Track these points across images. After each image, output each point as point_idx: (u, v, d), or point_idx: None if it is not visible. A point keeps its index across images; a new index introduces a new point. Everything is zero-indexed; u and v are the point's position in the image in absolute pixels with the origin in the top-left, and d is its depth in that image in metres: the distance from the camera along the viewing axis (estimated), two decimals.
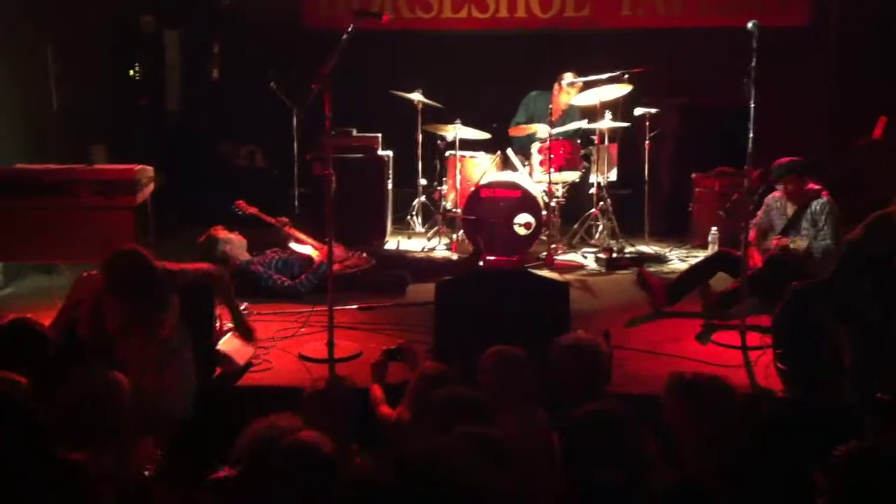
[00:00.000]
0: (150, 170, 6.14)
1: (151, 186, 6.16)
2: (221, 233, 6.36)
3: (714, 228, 7.47)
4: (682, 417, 3.05)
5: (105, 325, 3.95)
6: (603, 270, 7.00)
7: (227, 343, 4.62)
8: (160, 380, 3.85)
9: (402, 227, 8.16)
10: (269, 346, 4.99)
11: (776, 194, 5.86)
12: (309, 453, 2.60)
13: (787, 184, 5.69)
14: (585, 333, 3.76)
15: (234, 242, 6.36)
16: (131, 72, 8.59)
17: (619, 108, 7.62)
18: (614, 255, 7.18)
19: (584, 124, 7.57)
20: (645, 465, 2.76)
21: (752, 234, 5.74)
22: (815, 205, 5.65)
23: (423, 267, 6.75)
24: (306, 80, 4.96)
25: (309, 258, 6.37)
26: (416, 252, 7.43)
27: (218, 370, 4.47)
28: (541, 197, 7.25)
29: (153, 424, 3.66)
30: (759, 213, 5.89)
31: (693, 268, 5.92)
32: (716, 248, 7.42)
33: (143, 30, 8.69)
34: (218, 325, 4.67)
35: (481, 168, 7.55)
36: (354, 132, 7.90)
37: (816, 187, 5.73)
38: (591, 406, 2.99)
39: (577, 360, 3.54)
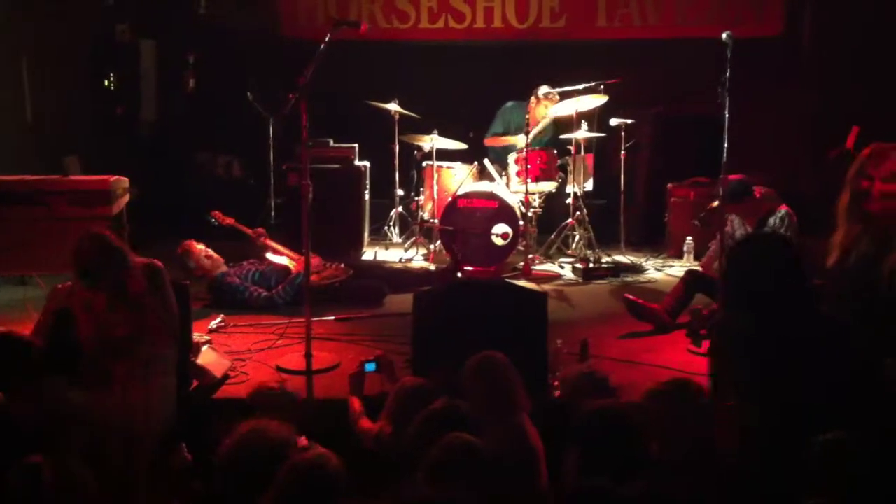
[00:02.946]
0: (125, 181, 6.10)
1: (126, 197, 6.12)
2: (196, 246, 6.32)
3: (689, 238, 7.54)
4: (659, 424, 3.07)
5: (105, 333, 3.90)
6: (580, 280, 7.03)
7: (204, 356, 4.59)
8: (144, 392, 3.81)
9: (380, 237, 8.16)
10: (245, 359, 4.96)
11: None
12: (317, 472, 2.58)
13: (732, 212, 5.72)
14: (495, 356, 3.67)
15: (210, 257, 6.32)
16: (106, 82, 8.54)
17: (595, 118, 7.68)
18: (591, 265, 7.22)
19: (559, 133, 7.60)
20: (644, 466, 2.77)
21: (705, 260, 5.84)
22: (774, 219, 5.67)
23: (401, 278, 6.75)
24: (283, 90, 4.96)
25: (286, 269, 6.34)
26: (393, 263, 7.43)
27: (195, 383, 4.44)
28: (518, 207, 7.28)
29: (138, 438, 3.64)
30: (728, 227, 5.86)
31: (673, 294, 5.76)
32: (691, 257, 7.49)
33: (119, 39, 8.64)
34: (195, 338, 4.64)
35: (458, 178, 7.57)
36: (331, 142, 7.90)
37: (771, 201, 5.74)
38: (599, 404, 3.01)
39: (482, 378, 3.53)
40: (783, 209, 5.70)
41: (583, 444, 2.88)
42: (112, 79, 8.56)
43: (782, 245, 3.45)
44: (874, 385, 3.12)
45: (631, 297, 5.72)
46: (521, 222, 7.21)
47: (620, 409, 2.97)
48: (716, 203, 5.55)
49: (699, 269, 6.11)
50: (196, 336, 4.71)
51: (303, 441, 3.26)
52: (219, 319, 5.64)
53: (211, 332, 5.43)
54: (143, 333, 3.89)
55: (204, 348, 4.67)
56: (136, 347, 3.86)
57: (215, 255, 6.32)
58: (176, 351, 4.07)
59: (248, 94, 7.45)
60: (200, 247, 6.29)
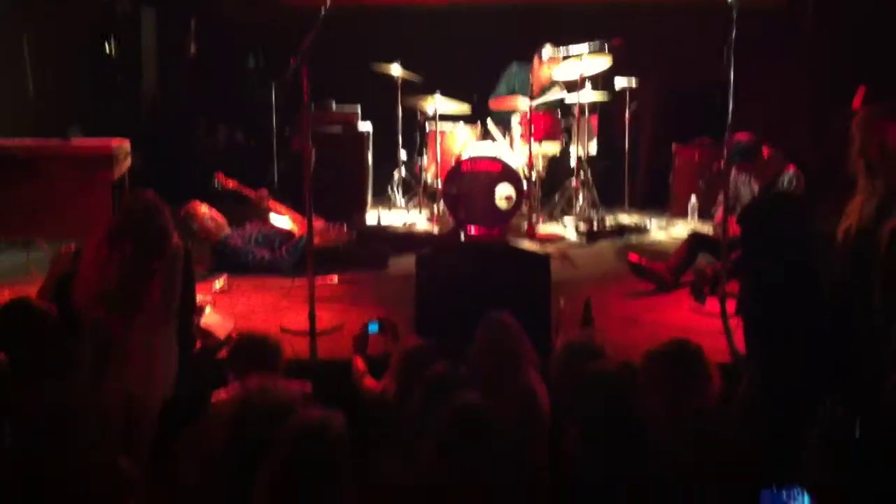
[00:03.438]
0: (126, 144, 6.09)
1: (128, 162, 6.11)
2: (201, 209, 6.32)
3: (693, 198, 7.51)
4: (657, 387, 3.06)
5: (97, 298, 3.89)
6: (584, 242, 7.03)
7: (208, 317, 4.61)
8: (147, 357, 3.83)
9: (383, 200, 8.14)
10: (250, 320, 4.98)
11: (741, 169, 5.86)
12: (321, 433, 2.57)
13: (741, 171, 5.69)
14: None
15: (214, 218, 6.32)
16: (107, 49, 8.48)
17: (600, 79, 7.62)
18: (595, 226, 7.21)
19: (564, 94, 7.56)
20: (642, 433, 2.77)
21: (718, 215, 5.76)
22: (783, 180, 5.65)
23: (404, 240, 6.75)
24: (285, 55, 4.92)
25: (289, 232, 6.35)
26: (396, 226, 7.42)
27: (198, 344, 4.46)
28: (521, 169, 7.25)
29: (139, 404, 3.66)
30: (732, 188, 5.83)
31: (677, 254, 5.78)
32: (695, 217, 7.47)
33: (119, 7, 8.57)
34: (198, 299, 4.65)
35: (461, 141, 7.53)
36: (333, 106, 7.86)
37: (777, 159, 5.70)
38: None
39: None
40: (791, 169, 5.68)
41: (582, 419, 2.88)
42: (112, 47, 8.50)
43: (796, 204, 3.45)
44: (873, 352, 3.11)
45: (635, 258, 5.72)
46: (525, 184, 7.19)
47: (616, 377, 2.95)
48: (719, 167, 5.54)
49: (703, 229, 6.11)
50: (200, 298, 4.72)
51: (306, 387, 3.29)
52: (222, 281, 5.65)
53: (215, 293, 5.45)
54: (148, 294, 3.89)
55: (207, 310, 4.69)
56: (140, 315, 3.86)
57: (219, 217, 6.33)
58: (174, 325, 4.06)
59: (250, 59, 7.39)
60: (204, 209, 6.28)
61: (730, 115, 4.85)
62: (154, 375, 3.81)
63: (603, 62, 7.31)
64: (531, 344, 3.61)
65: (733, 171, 5.82)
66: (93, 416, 2.82)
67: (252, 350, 3.54)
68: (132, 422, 3.57)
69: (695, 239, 5.79)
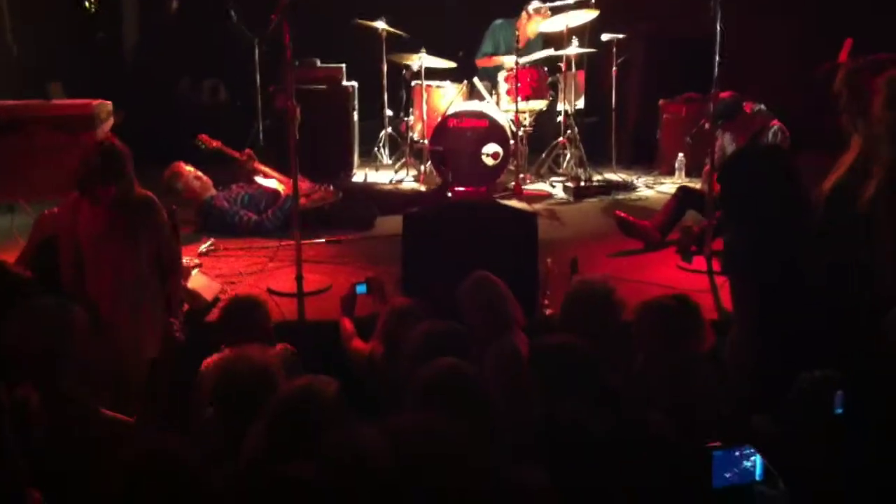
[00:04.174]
0: (108, 105, 6.01)
1: (111, 122, 6.03)
2: (185, 168, 6.26)
3: (681, 155, 7.50)
4: (650, 340, 3.09)
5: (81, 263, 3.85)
6: (571, 199, 7.02)
7: (194, 280, 4.59)
8: (134, 319, 3.81)
9: (369, 159, 8.09)
10: (236, 282, 4.96)
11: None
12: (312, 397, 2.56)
13: (726, 130, 5.67)
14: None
15: (199, 179, 6.27)
16: (87, 4, 8.33)
17: (586, 33, 7.54)
18: (582, 183, 7.19)
19: (550, 52, 7.49)
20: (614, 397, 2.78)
21: (707, 166, 5.74)
22: (768, 135, 5.64)
23: (391, 199, 6.71)
24: (267, 10, 4.84)
25: (275, 193, 6.30)
26: (383, 185, 7.38)
27: (185, 307, 4.44)
28: (508, 126, 7.20)
29: (127, 367, 3.65)
30: (718, 143, 5.83)
31: (664, 210, 5.77)
32: (682, 174, 7.46)
33: None
34: (185, 261, 4.62)
35: (448, 98, 7.47)
36: (318, 63, 7.76)
37: (763, 118, 5.69)
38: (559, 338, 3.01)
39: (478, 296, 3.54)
40: (775, 124, 5.67)
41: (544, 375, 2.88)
42: (93, 4, 8.35)
43: (776, 156, 3.43)
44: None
45: (622, 214, 5.72)
46: (512, 142, 7.15)
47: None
48: (706, 123, 5.52)
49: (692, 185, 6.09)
50: (186, 260, 4.70)
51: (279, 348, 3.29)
52: (209, 243, 5.63)
53: (201, 255, 5.42)
54: (134, 255, 3.85)
55: (194, 272, 4.67)
56: (128, 267, 3.82)
57: (204, 177, 6.28)
58: (162, 281, 4.03)
59: (231, 14, 7.27)
60: (189, 168, 6.23)
61: (716, 69, 4.82)
62: (141, 337, 3.80)
63: (589, 15, 7.24)
64: (517, 303, 3.61)
65: (719, 129, 5.80)
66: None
67: (241, 313, 3.53)
68: (120, 384, 3.56)
69: (683, 193, 5.78)
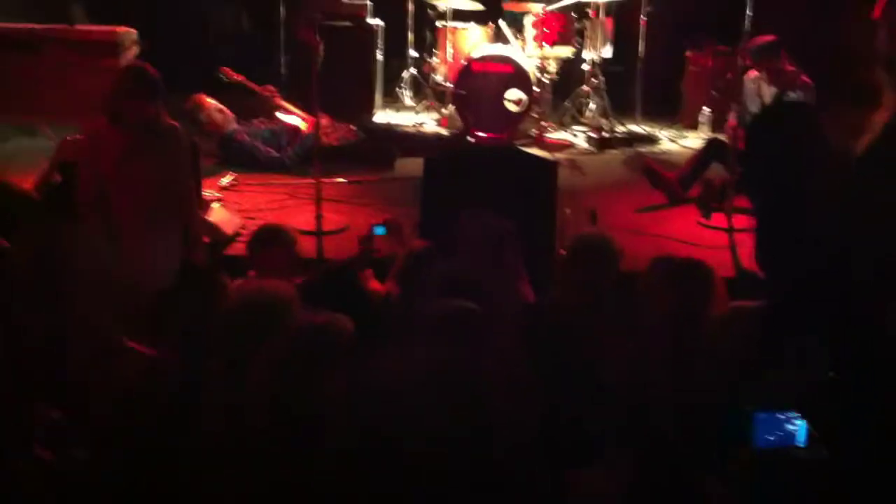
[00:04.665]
0: (133, 32, 5.98)
1: (134, 50, 6.00)
2: (207, 101, 6.24)
3: (706, 109, 7.40)
4: (660, 299, 3.06)
5: (103, 185, 3.86)
6: (593, 149, 6.97)
7: (215, 213, 4.61)
8: (149, 242, 3.83)
9: (392, 99, 8.03)
10: (256, 217, 4.98)
11: (752, 74, 5.75)
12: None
13: (763, 68, 5.60)
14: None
15: (221, 112, 6.25)
16: None
17: None
18: (605, 134, 7.13)
19: None
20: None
21: (731, 120, 5.67)
22: (795, 93, 5.56)
23: (412, 141, 6.69)
24: None
25: (296, 129, 6.28)
26: (405, 126, 7.34)
27: (206, 239, 4.47)
28: (533, 72, 7.12)
29: (133, 290, 3.68)
30: (749, 76, 5.76)
31: (691, 161, 5.74)
32: (707, 129, 7.38)
33: None
34: (205, 195, 4.64)
35: (473, 40, 7.37)
36: None
37: (793, 70, 5.61)
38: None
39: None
40: (804, 80, 5.59)
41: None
42: None
43: (804, 116, 3.38)
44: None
45: (651, 162, 5.69)
46: (536, 88, 7.07)
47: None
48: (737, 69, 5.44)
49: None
50: (207, 193, 4.72)
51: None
52: (230, 177, 5.64)
53: (222, 189, 5.44)
54: (156, 179, 3.86)
55: (215, 205, 4.69)
56: (149, 191, 3.84)
57: (226, 110, 6.26)
58: (181, 212, 4.04)
59: None
60: (211, 101, 6.21)
61: (747, 23, 4.74)
62: (159, 262, 3.81)
63: None
64: (519, 251, 3.58)
65: (745, 81, 5.73)
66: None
67: (270, 242, 3.60)
68: (128, 308, 3.59)
69: (712, 145, 5.74)
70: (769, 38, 5.59)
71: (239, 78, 6.50)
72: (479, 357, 2.45)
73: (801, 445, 2.35)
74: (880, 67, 3.64)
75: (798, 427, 2.34)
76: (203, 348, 3.32)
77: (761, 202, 3.35)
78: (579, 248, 3.42)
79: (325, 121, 6.09)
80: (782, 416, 2.33)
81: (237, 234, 4.66)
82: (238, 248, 4.56)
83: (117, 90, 3.81)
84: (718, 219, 5.01)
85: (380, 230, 4.14)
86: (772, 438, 2.33)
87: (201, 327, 3.28)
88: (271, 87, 6.55)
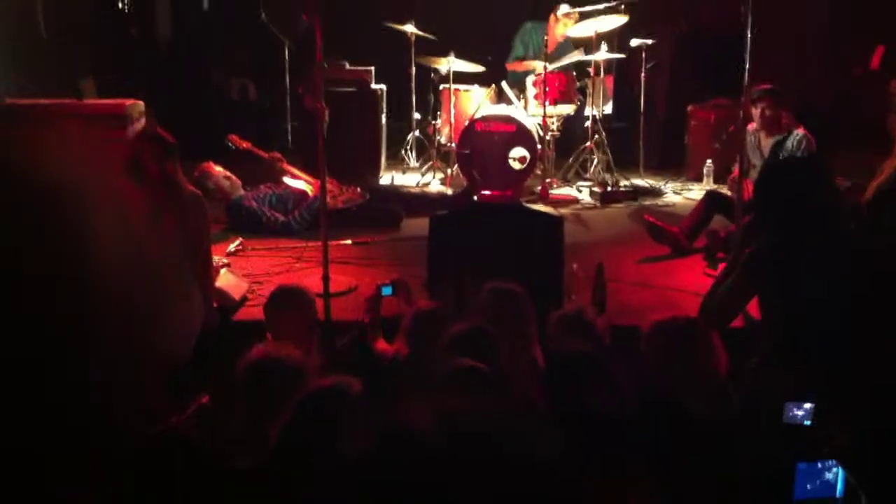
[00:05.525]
0: (140, 104, 6.09)
1: (143, 121, 6.10)
2: (215, 168, 6.33)
3: (709, 161, 7.46)
4: (660, 362, 3.03)
5: None
6: (598, 204, 7.00)
7: (223, 278, 4.63)
8: (170, 311, 3.83)
9: (397, 161, 8.12)
10: (264, 281, 5.00)
11: (751, 127, 5.80)
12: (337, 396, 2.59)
13: (762, 108, 5.65)
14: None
15: (228, 178, 6.33)
16: (120, 3, 8.43)
17: (615, 39, 7.53)
18: (609, 188, 7.18)
19: (581, 55, 7.48)
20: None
21: (735, 170, 5.70)
22: (791, 141, 5.61)
23: (418, 201, 6.73)
24: (297, 10, 4.89)
25: (302, 193, 6.35)
26: (410, 187, 7.41)
27: (214, 304, 4.48)
28: (535, 131, 7.20)
29: (153, 355, 3.68)
30: (751, 126, 5.80)
31: (692, 215, 5.74)
32: (710, 180, 7.42)
33: None
34: (214, 260, 4.67)
35: (476, 101, 7.48)
36: (347, 65, 7.80)
37: (789, 122, 5.67)
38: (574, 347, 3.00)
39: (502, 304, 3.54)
40: (800, 131, 5.64)
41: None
42: (126, 1, 8.45)
43: (818, 168, 3.38)
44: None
45: (651, 218, 5.71)
46: (539, 146, 7.15)
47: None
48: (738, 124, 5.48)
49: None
50: (215, 259, 4.75)
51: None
52: (237, 242, 5.68)
53: (229, 254, 5.47)
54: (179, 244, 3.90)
55: (223, 271, 4.71)
56: (173, 262, 3.86)
57: (234, 177, 6.34)
58: (205, 278, 4.08)
59: (262, 14, 7.33)
60: (219, 168, 6.29)
61: (746, 75, 4.80)
62: (175, 331, 3.81)
63: (619, 20, 7.23)
64: (534, 316, 3.58)
65: (747, 133, 5.77)
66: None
67: (287, 302, 3.63)
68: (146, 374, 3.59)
69: (710, 198, 5.77)
70: (767, 85, 5.67)
71: (246, 145, 6.60)
72: (491, 409, 2.44)
73: (840, 496, 2.32)
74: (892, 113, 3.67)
75: (836, 476, 2.30)
76: (220, 415, 3.33)
77: (770, 252, 3.35)
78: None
79: (331, 184, 6.16)
80: (822, 466, 2.30)
81: (245, 300, 4.67)
82: (246, 313, 4.58)
83: (136, 151, 3.89)
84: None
85: (387, 290, 4.15)
86: (811, 488, 2.30)
87: (219, 395, 3.30)
88: (277, 154, 6.64)
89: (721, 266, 5.03)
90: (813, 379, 2.84)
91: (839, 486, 2.32)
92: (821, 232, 3.17)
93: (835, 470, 2.31)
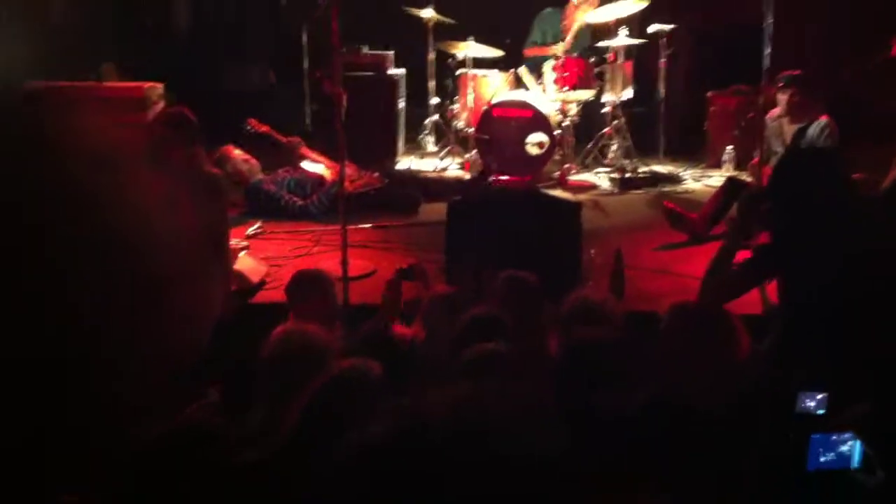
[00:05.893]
0: (159, 87, 6.12)
1: (161, 104, 6.13)
2: (234, 152, 6.35)
3: (729, 148, 7.41)
4: (680, 346, 3.03)
5: None
6: (616, 190, 6.98)
7: (241, 262, 4.66)
8: (189, 295, 3.85)
9: (415, 146, 8.12)
10: (282, 265, 5.03)
11: (774, 113, 5.75)
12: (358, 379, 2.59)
13: (790, 94, 5.60)
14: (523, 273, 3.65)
15: (248, 162, 6.36)
16: None
17: (634, 24, 7.48)
18: (628, 175, 7.15)
19: (581, 24, 7.42)
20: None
21: (755, 158, 5.68)
22: (814, 128, 5.55)
23: (435, 186, 6.75)
24: None
25: (321, 178, 6.36)
26: (428, 172, 7.41)
27: (233, 287, 4.51)
28: (554, 116, 7.18)
29: (174, 338, 3.71)
30: (773, 113, 5.77)
31: (712, 200, 5.71)
32: (730, 167, 7.38)
33: None
34: (232, 243, 4.70)
35: (493, 87, 7.46)
36: (366, 49, 7.80)
37: (813, 105, 5.62)
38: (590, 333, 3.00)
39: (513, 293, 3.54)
40: (824, 119, 5.58)
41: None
42: None
43: (833, 162, 3.36)
44: None
45: (670, 204, 5.69)
46: (558, 131, 7.12)
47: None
48: (758, 108, 5.46)
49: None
50: (234, 242, 4.78)
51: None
52: (257, 226, 5.71)
53: (249, 237, 5.50)
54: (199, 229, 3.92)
55: (241, 254, 4.74)
56: (191, 245, 3.88)
57: (252, 160, 6.37)
58: (224, 261, 4.11)
59: None
60: (238, 152, 6.32)
61: (767, 59, 4.77)
62: (193, 314, 3.83)
63: (637, 5, 7.18)
64: (548, 306, 3.59)
65: (767, 121, 5.73)
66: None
67: (309, 286, 3.67)
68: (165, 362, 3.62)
69: (731, 185, 5.73)
70: (795, 71, 5.62)
71: (265, 129, 6.62)
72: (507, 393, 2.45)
73: (857, 467, 2.30)
74: None
75: (853, 448, 2.29)
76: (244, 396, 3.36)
77: (784, 242, 3.34)
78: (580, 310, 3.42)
79: (349, 168, 6.17)
80: (837, 438, 2.29)
81: (263, 283, 4.70)
82: (265, 296, 4.61)
83: (155, 136, 3.90)
84: (743, 256, 4.98)
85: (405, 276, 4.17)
86: (826, 460, 2.28)
87: (238, 378, 3.32)
88: (297, 138, 6.66)
89: (741, 253, 5.03)
90: (824, 365, 2.84)
91: (856, 457, 2.30)
92: (834, 223, 3.16)
93: (850, 441, 2.30)
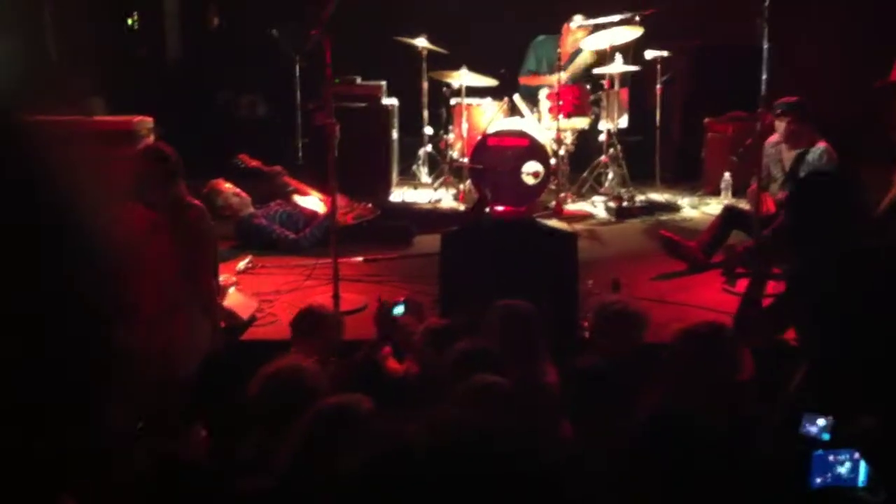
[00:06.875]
0: (149, 121, 6.06)
1: (151, 138, 6.06)
2: (224, 185, 6.27)
3: (727, 174, 7.34)
4: (684, 367, 2.98)
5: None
6: (613, 219, 6.90)
7: (230, 298, 4.56)
8: (169, 329, 3.76)
9: (408, 177, 8.05)
10: (273, 300, 4.93)
11: (773, 139, 5.70)
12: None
13: (788, 122, 5.55)
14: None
15: (238, 196, 6.28)
16: (129, 21, 8.44)
17: (630, 51, 7.44)
18: (624, 203, 7.07)
19: (586, 56, 7.39)
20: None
21: (753, 185, 5.61)
22: (813, 154, 5.51)
23: (430, 218, 6.66)
24: (307, 26, 4.84)
25: (313, 212, 6.28)
26: (422, 203, 7.33)
27: (222, 324, 4.40)
28: (549, 145, 7.11)
29: (155, 380, 3.60)
30: (772, 139, 5.72)
31: (710, 228, 5.65)
32: (728, 194, 7.31)
33: None
34: (221, 280, 4.59)
35: (488, 116, 7.40)
36: (358, 80, 7.75)
37: (811, 131, 5.58)
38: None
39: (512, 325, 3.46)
40: (822, 145, 5.53)
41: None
42: (135, 19, 8.46)
43: (851, 187, 3.30)
44: None
45: (667, 233, 5.61)
46: (553, 160, 7.05)
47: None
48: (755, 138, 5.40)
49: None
50: (223, 277, 4.68)
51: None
52: (247, 260, 5.61)
53: (239, 272, 5.40)
54: (183, 264, 3.83)
55: (231, 290, 4.64)
56: (171, 279, 3.79)
57: (243, 194, 6.29)
58: (206, 296, 4.01)
59: (273, 31, 7.29)
60: (228, 185, 6.24)
61: (763, 87, 4.71)
62: (175, 350, 3.74)
63: (633, 32, 7.13)
64: (543, 336, 3.50)
65: (766, 147, 5.67)
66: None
67: (314, 326, 3.65)
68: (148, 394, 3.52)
69: (729, 213, 5.66)
70: (793, 98, 5.57)
71: (255, 164, 6.54)
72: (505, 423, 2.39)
73: (861, 486, 2.25)
74: None
75: (857, 466, 2.23)
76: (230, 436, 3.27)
77: (802, 271, 3.26)
78: (605, 316, 3.41)
79: (341, 200, 6.08)
80: (841, 456, 2.22)
81: (254, 319, 4.60)
82: (254, 333, 4.50)
83: (136, 172, 3.83)
84: (743, 285, 4.89)
85: (399, 310, 4.06)
86: (829, 478, 2.23)
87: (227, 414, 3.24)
88: (278, 167, 6.58)
89: (741, 282, 4.93)
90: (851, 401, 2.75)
91: (861, 476, 2.25)
92: (855, 247, 3.09)
93: (856, 461, 2.24)
